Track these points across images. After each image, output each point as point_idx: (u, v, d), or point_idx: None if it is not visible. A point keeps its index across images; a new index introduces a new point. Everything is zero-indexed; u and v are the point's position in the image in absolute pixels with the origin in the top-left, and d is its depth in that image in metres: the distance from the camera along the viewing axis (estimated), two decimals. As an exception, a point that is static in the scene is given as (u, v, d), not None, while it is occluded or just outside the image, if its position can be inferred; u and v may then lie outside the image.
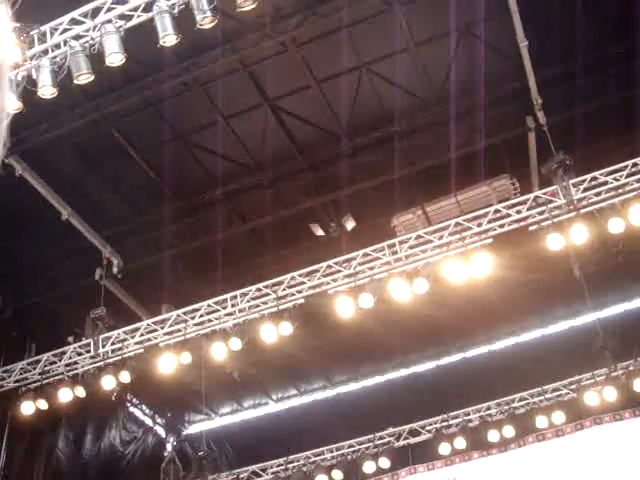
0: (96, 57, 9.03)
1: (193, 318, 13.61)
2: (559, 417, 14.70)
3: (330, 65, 12.46)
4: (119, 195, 14.29)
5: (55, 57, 9.19)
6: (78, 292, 14.77)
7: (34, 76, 9.14)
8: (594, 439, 14.75)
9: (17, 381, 14.24)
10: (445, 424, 15.68)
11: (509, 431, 14.92)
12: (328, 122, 13.28)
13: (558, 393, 15.08)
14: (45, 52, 9.24)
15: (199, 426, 20.02)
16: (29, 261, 14.23)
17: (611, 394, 13.65)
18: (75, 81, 9.05)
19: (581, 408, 14.34)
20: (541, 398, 15.16)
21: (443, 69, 12.55)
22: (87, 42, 9.09)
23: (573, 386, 14.83)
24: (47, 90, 9.09)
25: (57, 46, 9.23)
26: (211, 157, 13.73)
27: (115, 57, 8.95)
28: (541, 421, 14.77)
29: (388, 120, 13.19)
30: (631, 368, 13.95)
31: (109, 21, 9.06)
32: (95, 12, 9.17)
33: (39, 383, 14.02)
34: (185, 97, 12.60)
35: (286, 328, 12.68)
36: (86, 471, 16.89)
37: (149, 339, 13.78)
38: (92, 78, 9.08)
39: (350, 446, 16.19)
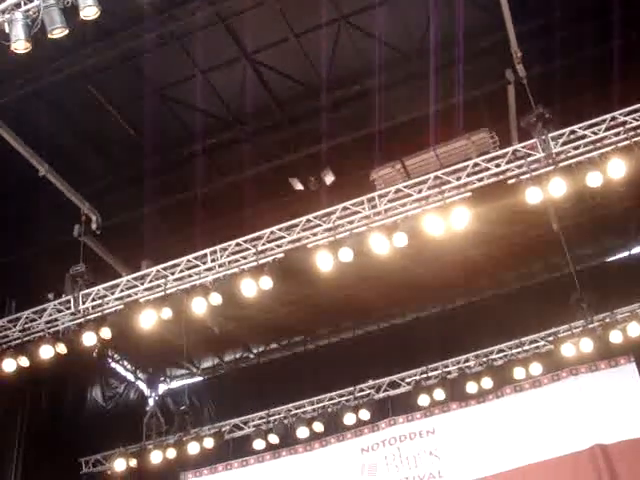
0: (71, 11, 8.85)
1: (173, 274, 13.58)
2: (536, 368, 14.90)
3: (309, 18, 12.31)
4: (97, 151, 14.14)
5: (28, 10, 8.97)
6: (57, 249, 14.70)
7: (7, 30, 8.96)
8: (570, 390, 14.98)
9: (-3, 339, 14.23)
10: (424, 376, 15.85)
11: (487, 382, 15.12)
12: (307, 76, 13.17)
13: (535, 345, 15.27)
14: (17, 5, 9.00)
15: (181, 381, 20.14)
16: (6, 219, 14.11)
17: (587, 345, 13.82)
18: (49, 35, 8.85)
19: (558, 359, 14.53)
20: (519, 350, 15.34)
21: (423, 22, 12.44)
22: (61, -5, 8.91)
23: (550, 338, 15.02)
24: (20, 44, 8.88)
25: (30, -1, 9.04)
26: (190, 112, 13.60)
27: (90, 10, 8.72)
28: (519, 372, 14.96)
29: (367, 73, 13.09)
30: (607, 320, 14.11)
31: (83, -27, 8.86)
32: (69, -36, 8.97)
33: (20, 341, 13.99)
34: (163, 51, 12.40)
35: (266, 282, 12.67)
36: (68, 427, 16.96)
37: (129, 295, 13.73)
38: (67, 32, 8.90)
39: (331, 399, 16.36)
